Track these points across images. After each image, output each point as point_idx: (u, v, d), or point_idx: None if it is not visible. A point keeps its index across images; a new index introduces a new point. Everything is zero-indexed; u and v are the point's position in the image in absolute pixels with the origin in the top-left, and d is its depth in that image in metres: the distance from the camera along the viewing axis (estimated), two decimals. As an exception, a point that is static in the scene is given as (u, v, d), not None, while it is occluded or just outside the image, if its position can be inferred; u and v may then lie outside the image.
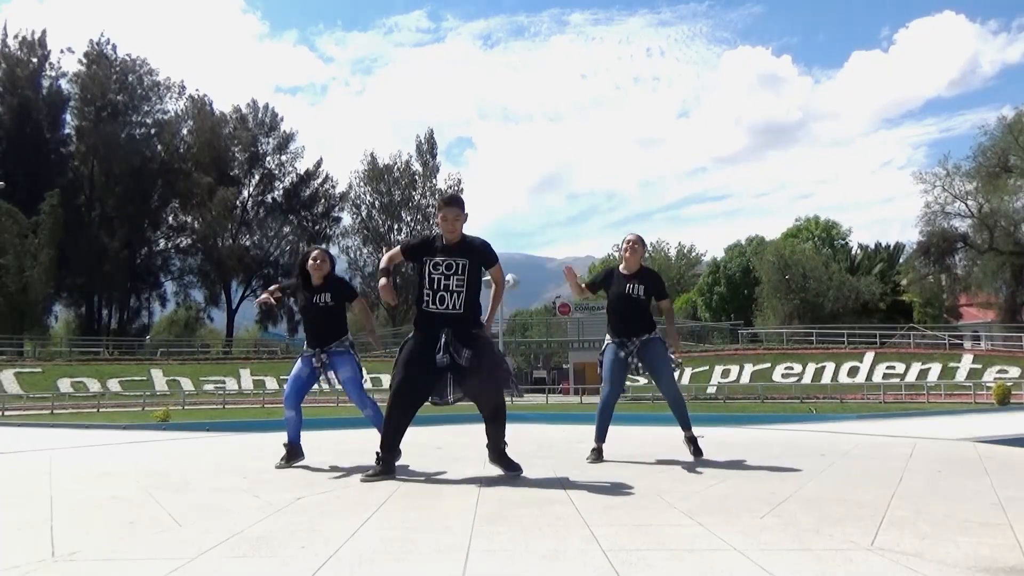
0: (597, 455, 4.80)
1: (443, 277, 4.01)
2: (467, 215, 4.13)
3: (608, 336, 5.02)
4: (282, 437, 4.79)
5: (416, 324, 4.13)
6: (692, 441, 4.93)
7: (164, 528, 2.82)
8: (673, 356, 4.97)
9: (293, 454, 4.75)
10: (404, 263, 4.35)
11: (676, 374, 5.13)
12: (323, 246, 5.60)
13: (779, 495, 3.41)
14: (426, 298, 4.04)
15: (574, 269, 4.97)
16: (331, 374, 4.78)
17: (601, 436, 4.89)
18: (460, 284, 4.02)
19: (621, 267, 5.08)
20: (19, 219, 37.56)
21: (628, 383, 5.23)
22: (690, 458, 4.84)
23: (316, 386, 4.93)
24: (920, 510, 3.05)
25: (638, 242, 5.05)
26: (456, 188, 54.87)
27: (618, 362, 4.85)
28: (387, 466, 4.12)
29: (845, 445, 5.86)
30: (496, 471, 4.17)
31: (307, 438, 4.89)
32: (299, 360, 4.90)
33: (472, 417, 8.71)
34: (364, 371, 4.93)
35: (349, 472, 4.44)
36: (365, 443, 4.99)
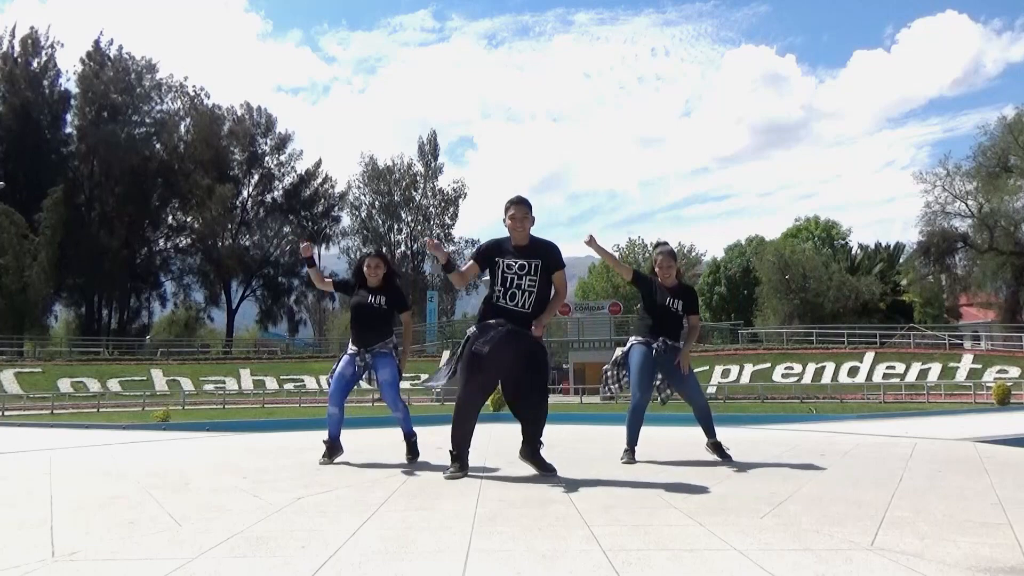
0: (631, 457, 4.76)
1: (516, 276, 4.09)
2: (534, 218, 4.18)
3: (634, 337, 4.94)
4: (282, 437, 4.80)
5: (482, 317, 4.15)
6: (717, 447, 4.88)
7: (164, 528, 2.81)
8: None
9: (334, 450, 4.80)
10: (479, 274, 4.27)
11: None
12: (382, 250, 5.65)
13: (779, 495, 3.41)
14: (497, 293, 4.11)
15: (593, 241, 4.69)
16: (372, 373, 4.83)
17: (634, 440, 4.83)
18: (532, 284, 4.10)
19: (659, 279, 4.97)
20: (16, 219, 37.57)
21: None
22: (689, 458, 4.85)
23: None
24: (920, 510, 3.05)
25: (668, 256, 4.98)
26: (460, 190, 55.03)
27: (648, 364, 4.81)
28: (464, 462, 4.18)
29: (845, 445, 5.86)
30: (496, 470, 4.17)
31: (307, 437, 4.89)
32: (343, 358, 4.90)
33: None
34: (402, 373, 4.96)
35: (358, 468, 4.44)
36: (360, 442, 4.98)
